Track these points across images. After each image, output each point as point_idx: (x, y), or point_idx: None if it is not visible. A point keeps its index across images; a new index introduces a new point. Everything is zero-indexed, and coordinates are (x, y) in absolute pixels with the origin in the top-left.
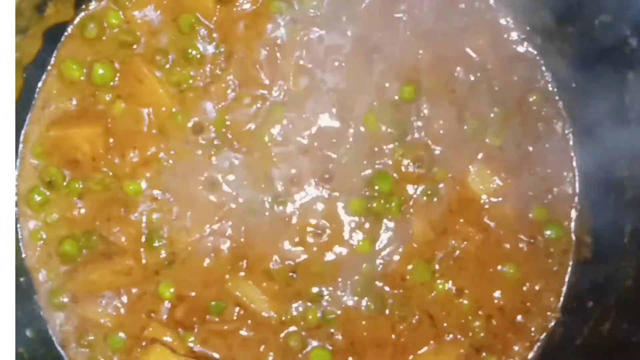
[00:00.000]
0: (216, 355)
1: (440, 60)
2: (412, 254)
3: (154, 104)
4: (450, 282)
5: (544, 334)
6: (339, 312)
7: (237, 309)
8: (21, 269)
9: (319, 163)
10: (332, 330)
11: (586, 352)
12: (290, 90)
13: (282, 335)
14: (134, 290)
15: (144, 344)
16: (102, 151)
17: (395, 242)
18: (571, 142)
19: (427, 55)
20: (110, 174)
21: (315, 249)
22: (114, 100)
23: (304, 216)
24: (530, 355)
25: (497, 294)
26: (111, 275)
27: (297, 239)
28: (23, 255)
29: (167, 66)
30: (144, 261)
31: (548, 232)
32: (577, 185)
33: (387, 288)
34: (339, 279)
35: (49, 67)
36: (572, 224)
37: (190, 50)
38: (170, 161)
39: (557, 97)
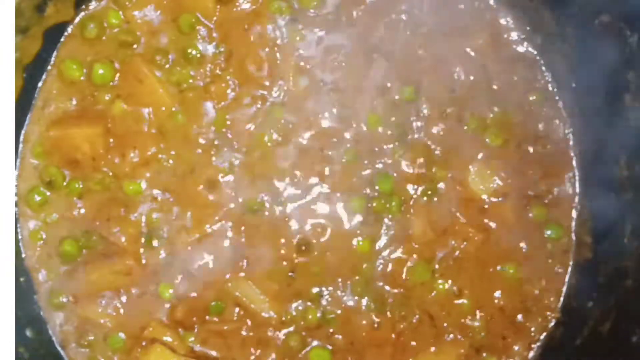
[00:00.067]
0: (216, 355)
1: (440, 60)
2: (412, 254)
3: (154, 103)
4: (450, 282)
5: (544, 334)
6: (338, 312)
7: (237, 309)
8: (21, 269)
9: (319, 163)
10: (331, 330)
11: (586, 352)
12: (290, 90)
13: (282, 335)
14: (134, 290)
15: (144, 344)
16: (102, 151)
17: (396, 242)
18: (571, 142)
19: (427, 55)
20: (110, 174)
21: (315, 249)
22: (114, 100)
23: (304, 216)
24: (530, 355)
25: (497, 294)
26: (111, 275)
27: (297, 239)
28: (23, 256)
29: (167, 66)
30: (143, 261)
31: (548, 232)
32: (577, 185)
33: (387, 288)
34: (339, 279)
35: (49, 67)
36: (572, 224)
37: (190, 50)
38: (170, 161)
39: (557, 97)
